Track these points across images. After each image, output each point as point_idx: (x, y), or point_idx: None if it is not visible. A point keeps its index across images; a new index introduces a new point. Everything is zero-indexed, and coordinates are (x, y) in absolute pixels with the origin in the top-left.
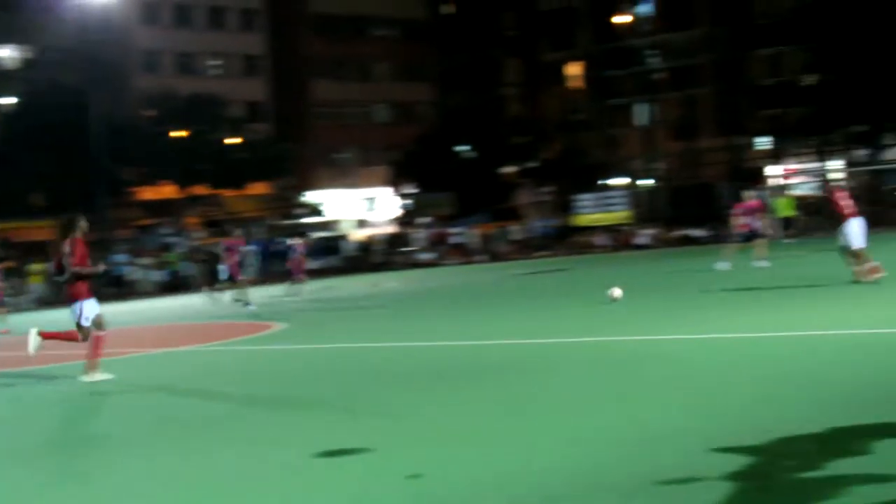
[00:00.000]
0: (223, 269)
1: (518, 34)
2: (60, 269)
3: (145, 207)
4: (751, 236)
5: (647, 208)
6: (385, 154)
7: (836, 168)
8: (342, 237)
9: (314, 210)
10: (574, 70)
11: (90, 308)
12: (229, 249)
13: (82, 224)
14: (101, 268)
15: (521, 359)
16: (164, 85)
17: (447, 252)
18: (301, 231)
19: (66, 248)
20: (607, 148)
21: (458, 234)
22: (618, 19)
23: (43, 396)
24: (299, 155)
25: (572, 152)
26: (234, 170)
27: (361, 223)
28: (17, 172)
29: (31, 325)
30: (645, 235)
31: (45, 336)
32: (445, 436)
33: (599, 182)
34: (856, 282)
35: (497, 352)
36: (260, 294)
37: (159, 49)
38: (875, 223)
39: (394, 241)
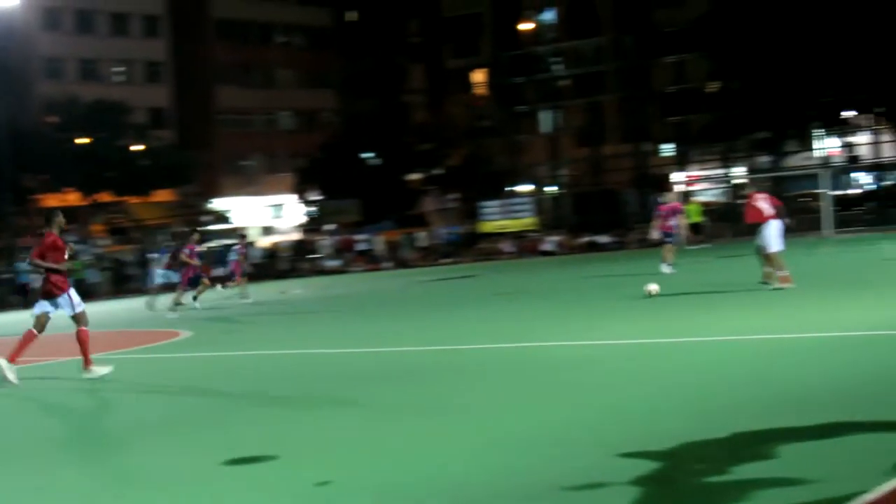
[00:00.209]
0: (160, 274)
1: (422, 41)
2: (30, 264)
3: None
4: (666, 238)
5: (552, 215)
6: (290, 161)
7: (739, 175)
8: (249, 244)
9: (221, 217)
10: (479, 77)
11: (75, 296)
12: (192, 255)
13: (59, 219)
14: (64, 266)
15: (430, 365)
16: (66, 91)
17: (353, 259)
18: (242, 233)
19: (37, 241)
20: (513, 155)
21: (364, 241)
22: (522, 26)
23: None
24: (204, 162)
25: (478, 159)
26: (138, 177)
27: (268, 230)
28: None
29: None
30: (551, 242)
31: (13, 358)
32: (353, 443)
33: (505, 189)
34: (763, 283)
35: (406, 358)
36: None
37: (62, 55)
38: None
39: (300, 248)
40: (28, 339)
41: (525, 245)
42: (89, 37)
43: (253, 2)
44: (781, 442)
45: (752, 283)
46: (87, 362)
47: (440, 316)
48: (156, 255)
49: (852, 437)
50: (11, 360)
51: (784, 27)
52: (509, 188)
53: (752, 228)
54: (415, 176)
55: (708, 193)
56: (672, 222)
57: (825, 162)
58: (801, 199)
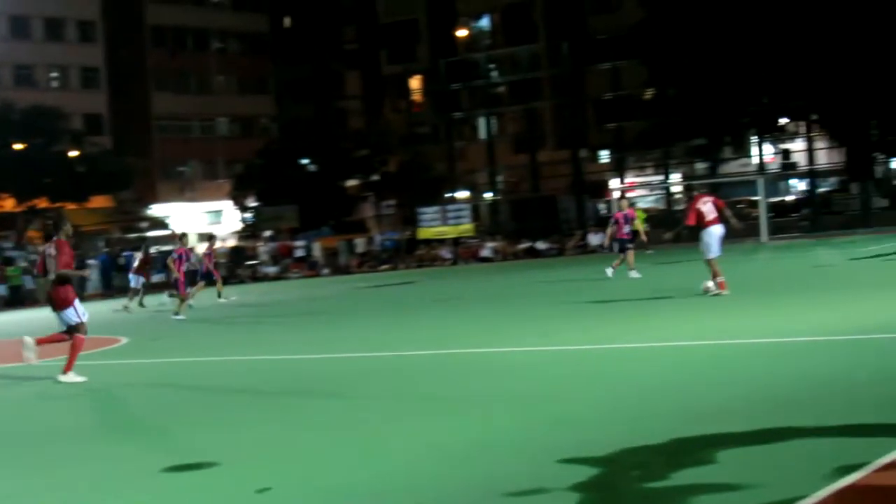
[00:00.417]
0: (134, 278)
1: (359, 47)
2: (44, 272)
3: None
4: (627, 245)
5: (490, 221)
6: (228, 167)
7: (676, 182)
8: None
9: (159, 223)
10: (416, 83)
11: (80, 308)
12: (179, 259)
13: (66, 227)
14: (87, 271)
15: (369, 372)
16: (1, 97)
17: (291, 265)
18: (209, 235)
19: (51, 250)
20: (450, 161)
21: (302, 247)
22: (458, 33)
23: None
24: (141, 168)
25: (415, 165)
26: (75, 183)
27: (206, 237)
28: None
29: None
30: (489, 248)
31: (68, 368)
32: (294, 450)
33: (443, 195)
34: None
35: (346, 365)
36: (105, 307)
37: None
38: None
39: (237, 254)
40: (77, 345)
41: (463, 251)
42: (24, 42)
43: (188, 8)
44: (720, 448)
45: (690, 290)
46: (68, 367)
47: (379, 322)
48: (96, 261)
49: (791, 442)
50: (67, 370)
51: (719, 35)
52: (447, 194)
53: (694, 235)
54: (352, 182)
55: (646, 200)
56: (627, 229)
57: (761, 169)
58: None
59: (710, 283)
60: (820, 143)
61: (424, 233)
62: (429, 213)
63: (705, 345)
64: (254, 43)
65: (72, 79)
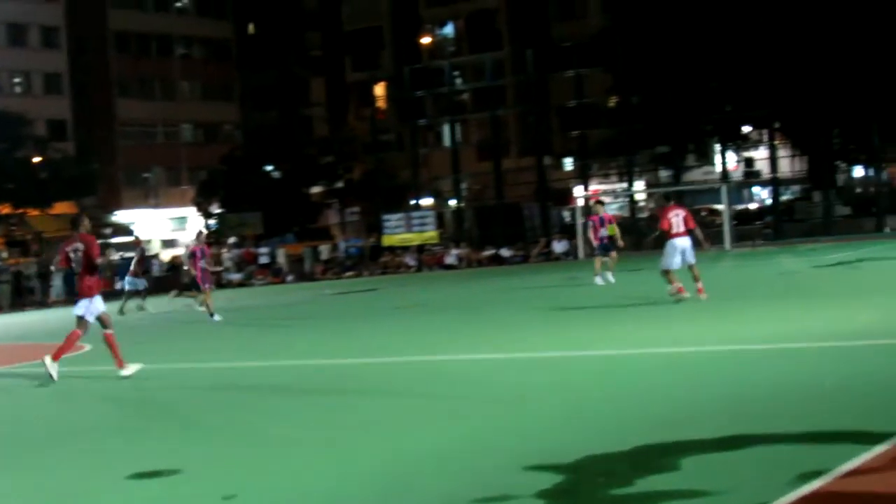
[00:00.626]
0: (127, 280)
1: (323, 54)
2: (69, 267)
3: None
4: (609, 248)
5: (455, 228)
6: (192, 173)
7: (640, 189)
8: (152, 257)
9: (123, 230)
10: (380, 90)
11: (99, 304)
12: (193, 256)
13: (86, 222)
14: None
15: (332, 378)
16: None
17: (255, 272)
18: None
19: (78, 244)
20: (415, 168)
21: (267, 254)
22: (423, 40)
23: None
24: (105, 174)
25: (380, 172)
26: (38, 189)
27: (169, 243)
28: None
29: None
30: (454, 256)
31: (57, 357)
32: (258, 457)
33: (408, 202)
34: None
35: (309, 371)
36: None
37: None
38: None
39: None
40: (111, 342)
41: (428, 258)
42: None
43: (152, 14)
44: (684, 454)
45: (654, 297)
46: (57, 355)
47: (343, 329)
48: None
49: (754, 449)
50: (119, 365)
51: (682, 43)
52: (411, 201)
53: (660, 243)
54: (317, 189)
55: (610, 208)
56: (603, 232)
57: (724, 177)
58: (702, 214)
59: (673, 287)
60: (783, 152)
61: (389, 240)
62: (393, 220)
63: (670, 352)
64: (218, 49)
65: (35, 84)
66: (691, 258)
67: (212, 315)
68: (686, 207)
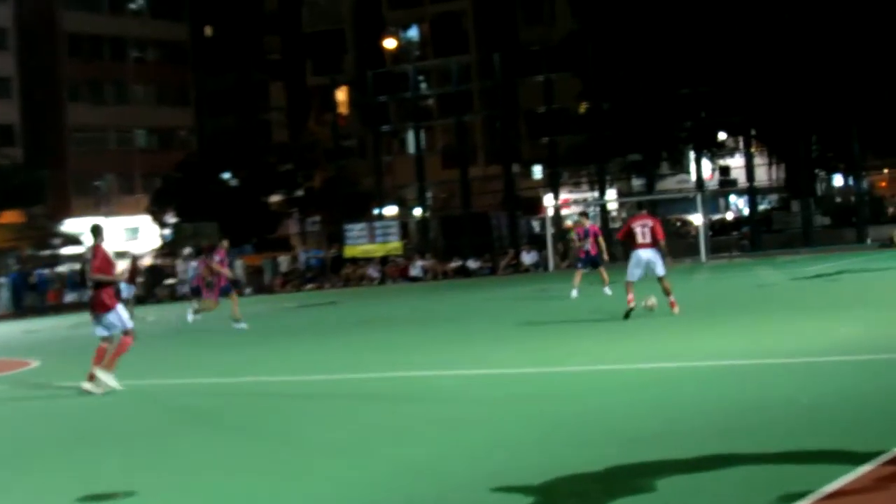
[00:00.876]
0: (126, 287)
1: (282, 57)
2: (84, 278)
3: None
4: (596, 262)
5: (419, 239)
6: (146, 181)
7: (611, 199)
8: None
9: (72, 240)
10: (342, 95)
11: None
12: (221, 262)
13: (104, 233)
14: (123, 276)
15: (291, 396)
16: None
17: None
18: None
19: (88, 255)
20: (378, 176)
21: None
22: (386, 43)
23: None
24: (54, 181)
25: (341, 180)
26: None
27: (122, 254)
28: None
29: None
30: (419, 267)
31: (109, 365)
32: (213, 477)
33: (371, 211)
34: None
35: (266, 389)
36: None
37: None
38: None
39: (155, 273)
40: (101, 354)
41: (391, 270)
42: None
43: (105, 15)
44: (659, 475)
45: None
46: (108, 365)
47: (302, 345)
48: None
49: (732, 469)
50: (91, 378)
51: (654, 47)
52: (374, 211)
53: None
54: (276, 197)
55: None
56: (587, 245)
57: (699, 185)
58: (677, 224)
59: (652, 300)
60: (759, 160)
61: (351, 251)
62: (355, 230)
63: (644, 368)
64: (173, 52)
65: None
66: (660, 270)
67: (196, 312)
68: (657, 218)
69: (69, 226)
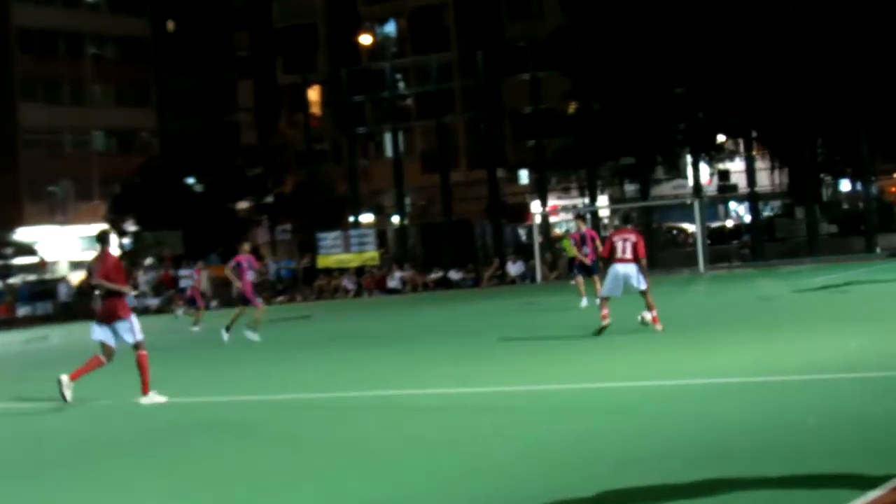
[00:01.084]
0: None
1: (251, 54)
2: (92, 286)
3: None
4: (592, 269)
5: (398, 248)
6: (104, 187)
7: (603, 205)
8: (59, 280)
9: (25, 249)
10: (315, 94)
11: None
12: (239, 267)
13: (112, 238)
14: (131, 289)
15: (256, 417)
16: None
17: (175, 297)
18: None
19: (95, 263)
20: (353, 181)
21: (187, 277)
22: (361, 39)
23: None
24: (5, 187)
25: (314, 185)
26: None
27: (79, 265)
28: None
29: None
30: (397, 279)
31: (146, 388)
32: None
33: (346, 219)
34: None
35: (228, 409)
36: None
37: None
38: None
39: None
40: (94, 364)
41: (368, 282)
42: None
43: (60, 9)
44: (653, 499)
45: (621, 325)
46: (145, 388)
47: (271, 362)
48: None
49: (732, 494)
50: (73, 377)
51: (648, 43)
52: (350, 218)
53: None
54: (244, 204)
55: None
56: (585, 251)
57: (697, 191)
58: (673, 233)
59: (647, 315)
60: (761, 164)
61: (324, 261)
62: (329, 238)
63: (637, 386)
64: (134, 49)
65: None
66: (640, 284)
67: (253, 331)
68: (640, 234)
69: (21, 234)
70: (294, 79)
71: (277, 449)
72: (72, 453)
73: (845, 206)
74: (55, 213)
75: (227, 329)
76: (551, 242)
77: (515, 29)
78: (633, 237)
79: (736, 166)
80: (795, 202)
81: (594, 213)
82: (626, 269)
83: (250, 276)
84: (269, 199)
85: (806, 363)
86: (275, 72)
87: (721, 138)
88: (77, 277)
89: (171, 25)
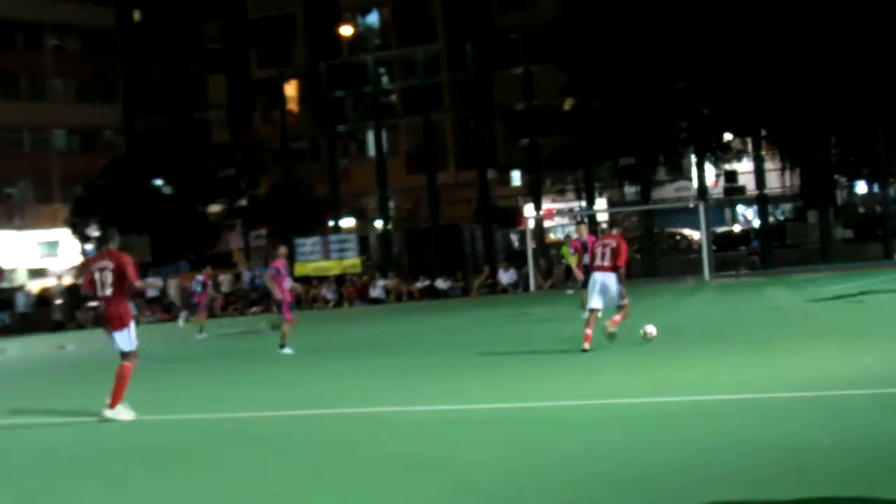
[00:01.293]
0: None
1: (223, 47)
2: (94, 289)
3: None
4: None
5: (381, 255)
6: (65, 189)
7: (601, 209)
8: (18, 289)
9: None
10: (292, 90)
11: (133, 335)
12: (278, 274)
13: (117, 238)
14: (159, 282)
15: (224, 436)
16: None
17: (142, 308)
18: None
19: (105, 262)
20: (333, 183)
21: (152, 285)
22: (342, 31)
23: None
24: None
25: (291, 187)
26: None
27: (38, 272)
28: None
29: None
30: (380, 287)
31: (115, 402)
32: None
33: (326, 223)
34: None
35: (203, 428)
36: None
37: None
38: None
39: (76, 294)
40: (124, 374)
41: (349, 291)
42: None
43: None
44: None
45: (621, 338)
46: (115, 400)
47: (243, 377)
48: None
49: None
50: (113, 404)
51: (650, 35)
52: (329, 222)
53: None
54: (216, 207)
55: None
56: (586, 259)
57: (702, 193)
58: (676, 238)
59: (651, 329)
60: (771, 164)
61: (302, 268)
62: (307, 244)
63: (635, 403)
64: (97, 40)
65: None
66: (619, 299)
67: (282, 347)
68: (624, 240)
69: None
70: (269, 73)
71: (234, 474)
72: (73, 466)
73: (861, 210)
74: (12, 216)
75: (283, 346)
76: (545, 249)
77: (507, 19)
78: (613, 242)
79: (744, 167)
80: (808, 205)
81: (591, 218)
82: (603, 278)
83: (287, 283)
84: (243, 201)
85: (820, 378)
86: (249, 65)
87: (728, 137)
88: (36, 286)
89: (137, 15)
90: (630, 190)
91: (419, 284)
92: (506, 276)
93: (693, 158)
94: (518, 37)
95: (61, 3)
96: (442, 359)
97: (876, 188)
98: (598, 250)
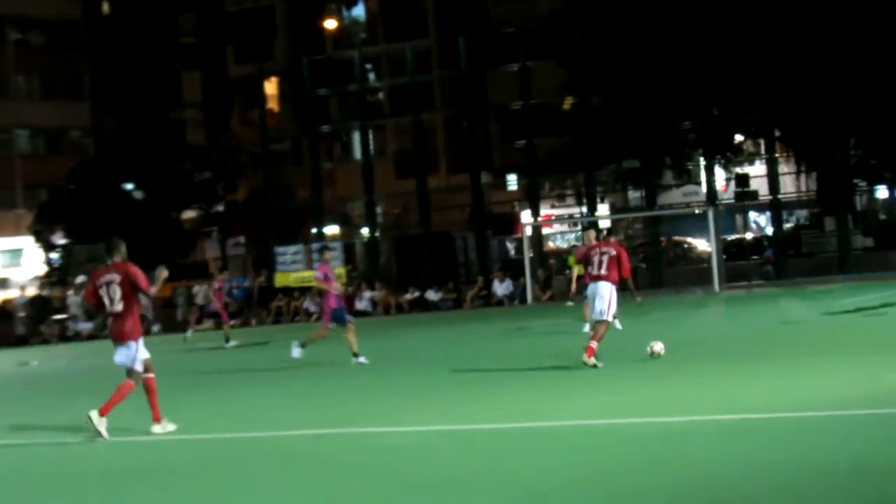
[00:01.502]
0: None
1: (199, 41)
2: (100, 304)
3: None
4: None
5: (368, 265)
6: (29, 193)
7: (603, 215)
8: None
9: None
10: (272, 88)
11: (143, 350)
12: (327, 280)
13: (123, 248)
14: (164, 272)
15: (206, 459)
16: None
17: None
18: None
19: (112, 276)
20: (317, 187)
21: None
22: (326, 24)
23: None
24: None
25: (271, 192)
26: None
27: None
28: None
29: None
30: (367, 299)
31: (105, 412)
32: None
33: (308, 230)
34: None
35: (178, 450)
36: None
37: None
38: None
39: (41, 306)
40: (152, 387)
41: None
42: None
43: None
44: None
45: (626, 353)
46: (105, 409)
47: (221, 395)
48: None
49: None
50: (156, 418)
51: (655, 30)
52: (312, 230)
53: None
54: (190, 213)
55: (566, 237)
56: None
57: (711, 198)
58: (684, 246)
59: (658, 346)
60: (785, 167)
61: (283, 279)
62: (288, 253)
63: (642, 423)
64: (63, 35)
65: None
66: (603, 314)
67: (356, 356)
68: (623, 248)
69: None
70: (248, 69)
71: (214, 499)
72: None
73: (882, 217)
74: None
75: (356, 355)
76: (543, 258)
77: (503, 12)
78: (612, 250)
79: (756, 170)
80: (825, 211)
81: (594, 224)
82: (594, 288)
83: (336, 288)
84: (220, 207)
85: (837, 397)
86: (226, 61)
87: (739, 138)
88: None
89: (105, 8)
90: (634, 195)
91: (408, 296)
92: (501, 288)
93: (702, 161)
94: (514, 31)
95: None
96: (433, 376)
97: None
98: (595, 258)
